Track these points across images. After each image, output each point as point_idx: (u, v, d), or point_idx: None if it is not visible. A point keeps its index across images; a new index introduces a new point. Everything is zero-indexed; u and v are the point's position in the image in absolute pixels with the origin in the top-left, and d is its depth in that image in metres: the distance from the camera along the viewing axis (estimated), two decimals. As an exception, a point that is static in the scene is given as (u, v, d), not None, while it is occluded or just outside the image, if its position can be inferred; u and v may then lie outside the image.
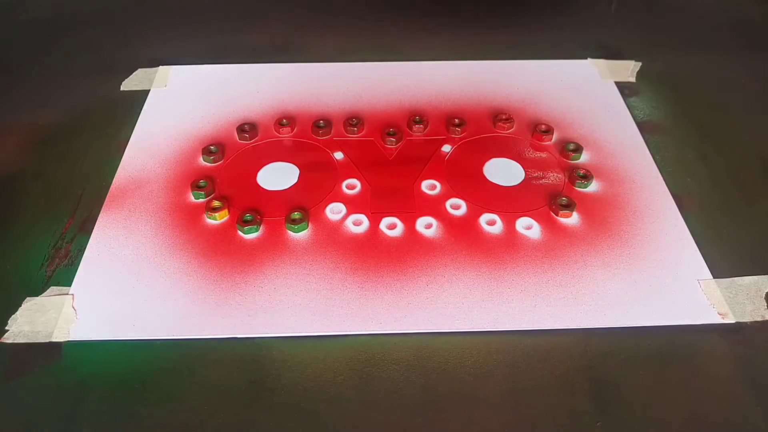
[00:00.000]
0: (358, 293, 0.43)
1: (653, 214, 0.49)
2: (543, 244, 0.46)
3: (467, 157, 0.54)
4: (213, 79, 0.63)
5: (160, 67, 0.64)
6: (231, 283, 0.44)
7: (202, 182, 0.51)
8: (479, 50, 0.67)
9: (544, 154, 0.55)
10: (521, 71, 0.64)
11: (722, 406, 0.37)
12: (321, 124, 0.56)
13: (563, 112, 0.59)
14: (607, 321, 0.42)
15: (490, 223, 0.48)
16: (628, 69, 0.64)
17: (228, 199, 0.50)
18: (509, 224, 0.48)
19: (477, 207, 0.49)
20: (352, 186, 0.51)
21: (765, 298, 0.43)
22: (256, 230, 0.47)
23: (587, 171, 0.51)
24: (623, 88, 0.62)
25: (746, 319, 0.42)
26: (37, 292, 0.43)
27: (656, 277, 0.44)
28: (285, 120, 0.57)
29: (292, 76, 0.64)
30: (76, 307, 0.42)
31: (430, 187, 0.51)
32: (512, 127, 0.57)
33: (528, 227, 0.48)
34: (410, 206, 0.49)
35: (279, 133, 0.57)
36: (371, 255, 0.46)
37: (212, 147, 0.54)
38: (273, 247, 0.46)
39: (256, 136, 0.56)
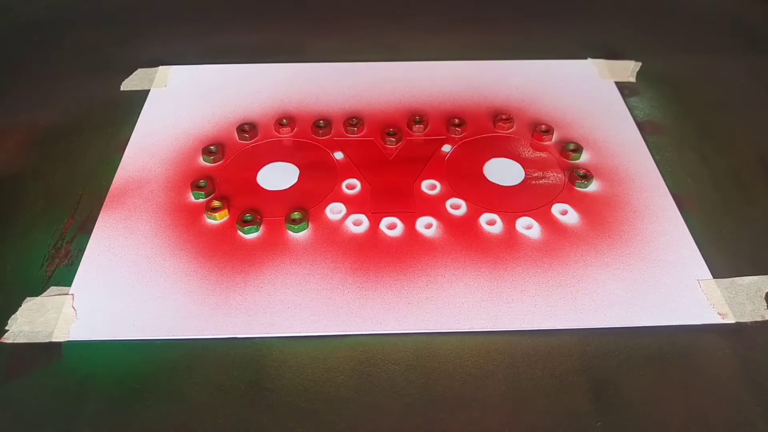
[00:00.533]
0: (358, 293, 0.43)
1: (653, 214, 0.49)
2: (543, 244, 0.46)
3: (467, 157, 0.54)
4: (213, 79, 0.63)
5: (160, 67, 0.64)
6: (231, 283, 0.44)
7: (202, 182, 0.51)
8: (479, 50, 0.67)
9: (544, 154, 0.55)
10: (521, 71, 0.64)
11: (722, 406, 0.37)
12: (321, 124, 0.56)
13: (563, 112, 0.59)
14: (607, 321, 0.42)
15: (490, 223, 0.48)
16: (628, 69, 0.64)
17: (228, 199, 0.50)
18: (509, 224, 0.48)
19: (477, 207, 0.49)
20: (352, 186, 0.51)
21: (765, 298, 0.43)
22: (256, 230, 0.47)
23: (587, 171, 0.51)
24: (623, 88, 0.62)
25: (746, 319, 0.42)
26: (37, 292, 0.43)
27: (656, 277, 0.44)
28: (285, 120, 0.57)
29: (292, 76, 0.64)
30: (76, 307, 0.42)
31: (430, 187, 0.51)
32: (512, 127, 0.57)
33: (528, 227, 0.48)
34: (410, 206, 0.49)
35: (279, 133, 0.57)
36: (371, 255, 0.46)
37: (212, 147, 0.54)
38: (273, 247, 0.46)
39: (256, 136, 0.56)
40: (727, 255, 0.46)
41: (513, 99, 0.61)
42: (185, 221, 0.48)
